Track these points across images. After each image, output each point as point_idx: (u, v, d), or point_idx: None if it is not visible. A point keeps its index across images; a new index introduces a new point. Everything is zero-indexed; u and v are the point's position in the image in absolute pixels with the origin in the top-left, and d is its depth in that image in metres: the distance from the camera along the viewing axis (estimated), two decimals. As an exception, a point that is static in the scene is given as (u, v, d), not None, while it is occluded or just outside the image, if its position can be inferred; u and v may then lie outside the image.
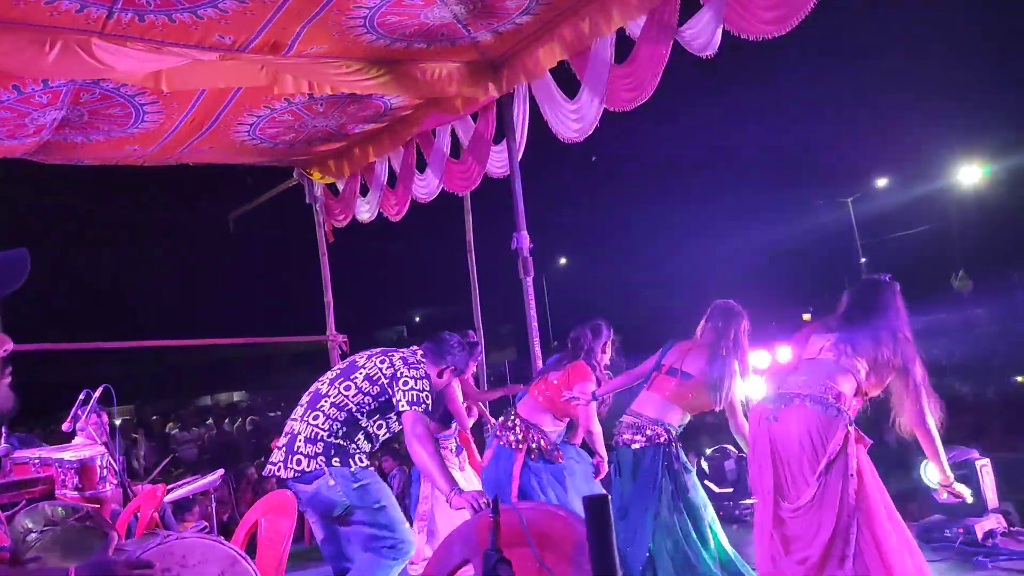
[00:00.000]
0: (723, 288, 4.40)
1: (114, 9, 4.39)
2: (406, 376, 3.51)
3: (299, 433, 3.51)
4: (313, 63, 5.25)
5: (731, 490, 7.21)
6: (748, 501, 6.95)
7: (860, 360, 3.38)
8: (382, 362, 3.58)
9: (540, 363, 5.63)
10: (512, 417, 4.71)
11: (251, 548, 3.33)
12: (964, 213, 19.37)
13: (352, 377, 3.57)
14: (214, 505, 5.74)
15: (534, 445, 4.60)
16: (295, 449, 3.49)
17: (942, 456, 3.42)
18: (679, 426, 4.23)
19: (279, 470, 3.51)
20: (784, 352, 4.19)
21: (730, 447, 7.82)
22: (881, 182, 22.67)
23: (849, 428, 3.30)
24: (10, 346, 1.72)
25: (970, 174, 19.23)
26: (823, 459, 3.23)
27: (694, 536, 4.05)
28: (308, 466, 3.44)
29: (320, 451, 3.45)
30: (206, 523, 5.76)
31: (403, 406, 3.46)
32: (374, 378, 3.54)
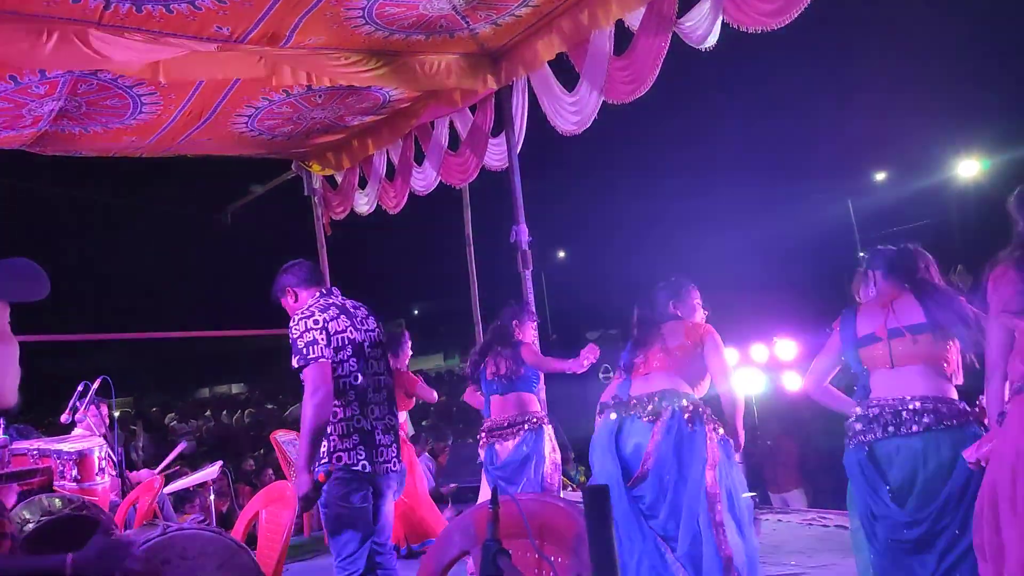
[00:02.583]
0: (721, 282, 4.32)
1: (111, -1, 4.38)
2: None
3: (398, 426, 3.70)
4: (311, 54, 5.23)
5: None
6: (745, 495, 6.96)
7: None
8: (377, 322, 3.64)
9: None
10: (653, 394, 3.76)
11: (251, 540, 3.34)
12: (963, 207, 19.34)
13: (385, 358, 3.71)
14: (213, 497, 5.76)
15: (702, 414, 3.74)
16: (396, 442, 3.62)
17: None
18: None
19: (394, 465, 3.57)
20: (784, 346, 4.02)
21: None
22: (879, 176, 22.65)
23: None
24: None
25: (969, 168, 19.20)
26: None
27: None
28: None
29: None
30: (205, 515, 5.77)
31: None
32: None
